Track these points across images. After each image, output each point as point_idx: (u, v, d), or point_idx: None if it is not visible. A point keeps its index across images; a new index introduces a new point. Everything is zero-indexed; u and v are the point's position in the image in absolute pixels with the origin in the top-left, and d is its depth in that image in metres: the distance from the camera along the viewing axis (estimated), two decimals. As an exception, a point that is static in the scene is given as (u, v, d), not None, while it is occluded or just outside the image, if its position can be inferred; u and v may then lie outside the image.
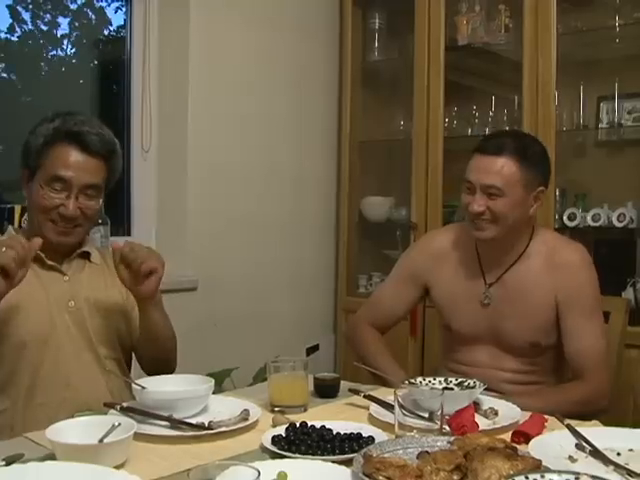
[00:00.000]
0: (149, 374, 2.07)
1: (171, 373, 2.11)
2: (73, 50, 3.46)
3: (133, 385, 1.74)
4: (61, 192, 1.91)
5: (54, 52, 3.42)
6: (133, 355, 2.17)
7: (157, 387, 1.77)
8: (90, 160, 1.94)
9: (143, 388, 1.72)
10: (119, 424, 1.44)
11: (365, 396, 1.86)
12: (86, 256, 2.06)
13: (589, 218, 3.14)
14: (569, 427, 1.61)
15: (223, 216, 3.38)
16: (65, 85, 3.44)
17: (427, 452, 1.37)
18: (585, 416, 1.92)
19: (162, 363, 2.09)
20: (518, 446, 1.54)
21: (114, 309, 2.05)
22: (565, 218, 3.20)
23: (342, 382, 2.06)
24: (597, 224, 3.12)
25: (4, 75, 3.27)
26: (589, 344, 2.18)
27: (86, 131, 1.94)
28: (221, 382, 3.09)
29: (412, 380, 1.89)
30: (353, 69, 3.76)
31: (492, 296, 2.28)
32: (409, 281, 2.43)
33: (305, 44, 3.69)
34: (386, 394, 1.88)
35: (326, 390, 1.96)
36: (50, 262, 1.96)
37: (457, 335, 2.37)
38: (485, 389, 2.05)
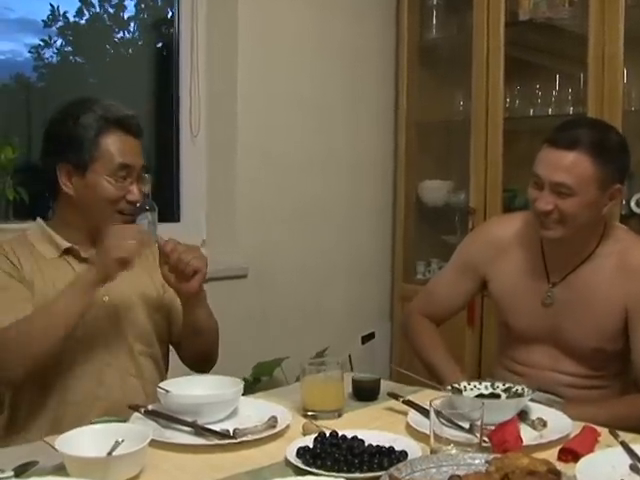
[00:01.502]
0: (191, 368, 2.06)
1: (213, 366, 2.07)
2: (138, 32, 3.41)
3: (157, 388, 1.66)
4: (125, 180, 1.86)
5: (120, 34, 3.38)
6: (172, 350, 2.10)
7: (183, 390, 1.69)
8: (136, 142, 1.91)
9: (167, 392, 1.63)
10: (122, 440, 1.35)
11: (404, 401, 1.74)
12: None
13: (659, 203, 2.94)
14: (623, 444, 1.46)
15: (275, 202, 3.29)
16: (129, 67, 3.38)
17: (458, 476, 1.25)
18: None
19: (204, 357, 2.05)
20: (565, 464, 1.43)
21: (151, 303, 1.99)
22: (633, 204, 2.99)
23: (386, 382, 1.97)
24: (668, 210, 2.92)
25: (72, 58, 3.25)
26: None
27: (129, 115, 1.91)
28: (271, 372, 3.04)
29: (456, 385, 1.76)
30: (410, 48, 3.59)
31: (555, 296, 2.10)
32: (466, 271, 2.27)
33: (360, 23, 3.55)
34: (428, 399, 1.75)
35: (365, 393, 1.86)
36: (85, 255, 1.90)
37: (514, 333, 2.21)
38: (543, 390, 1.96)
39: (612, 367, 2.11)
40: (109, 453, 1.33)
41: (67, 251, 1.89)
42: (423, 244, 3.70)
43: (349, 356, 3.45)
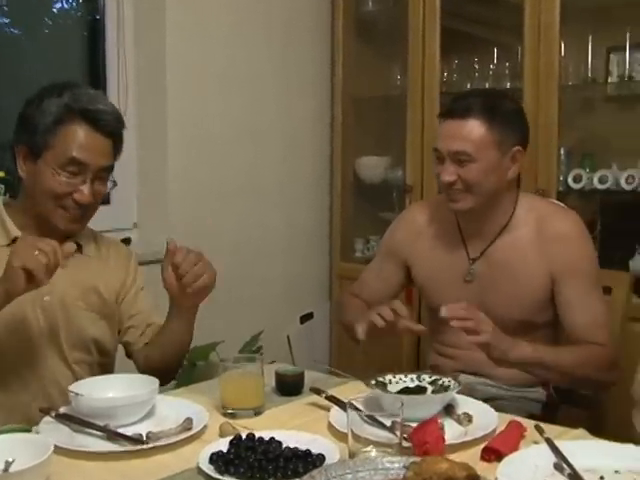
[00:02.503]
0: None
1: (171, 380, 2.03)
2: (75, 3, 3.22)
3: (68, 391, 1.58)
4: (76, 177, 1.75)
5: (60, 5, 3.19)
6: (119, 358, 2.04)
7: (97, 391, 1.61)
8: (104, 140, 1.79)
9: (77, 394, 1.55)
10: (13, 460, 1.26)
11: (327, 397, 1.68)
12: (78, 248, 1.87)
13: (596, 180, 2.91)
14: (548, 441, 1.42)
15: (208, 181, 3.18)
16: (65, 41, 3.20)
17: (371, 487, 1.20)
18: (599, 385, 2.01)
19: (169, 369, 1.98)
20: (488, 464, 1.39)
21: (97, 310, 1.89)
22: (570, 180, 2.97)
23: (313, 373, 1.93)
24: (604, 187, 2.90)
25: (8, 30, 3.07)
26: (595, 314, 2.02)
27: (101, 109, 1.78)
28: (207, 356, 2.96)
29: (381, 379, 1.71)
30: (346, 20, 3.50)
31: (476, 272, 2.11)
32: (391, 258, 2.27)
33: (293, -7, 3.44)
34: (354, 392, 1.70)
35: (288, 387, 1.80)
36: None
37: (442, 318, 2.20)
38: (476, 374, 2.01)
39: (543, 342, 2.08)
40: (5, 470, 1.25)
41: (15, 240, 1.75)
42: (361, 221, 3.65)
43: (287, 337, 3.41)
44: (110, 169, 1.83)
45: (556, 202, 2.39)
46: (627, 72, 2.97)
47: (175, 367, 1.99)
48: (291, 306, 3.52)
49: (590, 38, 3.02)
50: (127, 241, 3.03)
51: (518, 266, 2.06)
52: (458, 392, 1.68)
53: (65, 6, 3.21)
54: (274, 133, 3.42)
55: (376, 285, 2.27)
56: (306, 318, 3.56)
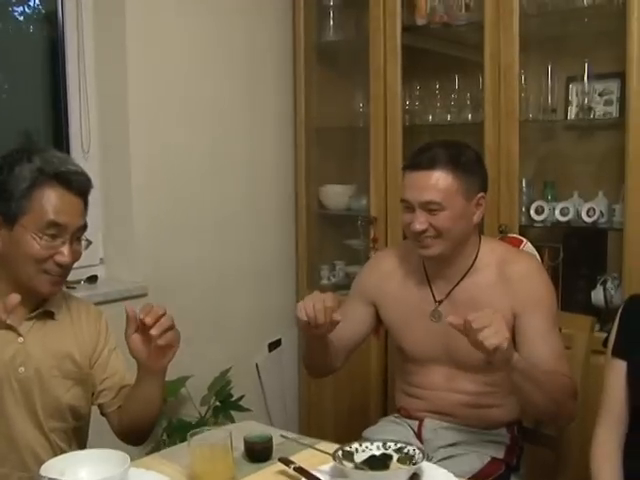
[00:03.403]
0: (123, 438, 2.00)
1: (145, 440, 2.04)
2: (30, 24, 3.18)
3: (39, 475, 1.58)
4: (55, 239, 1.76)
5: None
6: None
7: (67, 471, 1.61)
8: (77, 200, 1.80)
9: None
10: None
11: (295, 469, 1.71)
12: (50, 314, 1.89)
13: (557, 212, 2.96)
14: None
15: (173, 214, 3.18)
16: (21, 63, 3.13)
17: None
18: (560, 415, 2.08)
19: (143, 429, 1.99)
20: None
21: (70, 376, 1.90)
22: (532, 211, 3.02)
23: (280, 433, 1.95)
24: (566, 219, 2.95)
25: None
26: (554, 347, 2.11)
27: (73, 170, 1.80)
28: (176, 392, 3.00)
29: (347, 448, 1.74)
30: (307, 49, 3.50)
31: (442, 313, 2.19)
32: (361, 300, 2.36)
33: (256, 24, 3.43)
34: (321, 462, 1.74)
35: (256, 454, 1.82)
36: (8, 321, 1.72)
37: (410, 356, 2.30)
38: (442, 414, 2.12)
39: (506, 383, 2.12)
40: None
41: None
42: (327, 248, 3.67)
43: (256, 365, 3.47)
44: (85, 228, 1.85)
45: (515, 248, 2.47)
46: (586, 101, 3.01)
47: (148, 429, 2.00)
48: (259, 334, 3.54)
49: (550, 68, 3.06)
50: (94, 278, 3.04)
51: (481, 305, 2.09)
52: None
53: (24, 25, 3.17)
54: (238, 163, 3.43)
55: (345, 325, 2.29)
56: (274, 345, 3.59)
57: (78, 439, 1.97)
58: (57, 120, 3.10)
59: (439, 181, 2.05)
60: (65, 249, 1.77)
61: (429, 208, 2.06)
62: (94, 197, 3.00)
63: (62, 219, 1.75)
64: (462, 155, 2.11)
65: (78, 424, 1.95)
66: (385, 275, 2.32)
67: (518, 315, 2.12)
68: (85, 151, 3.04)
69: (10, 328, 1.77)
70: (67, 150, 3.03)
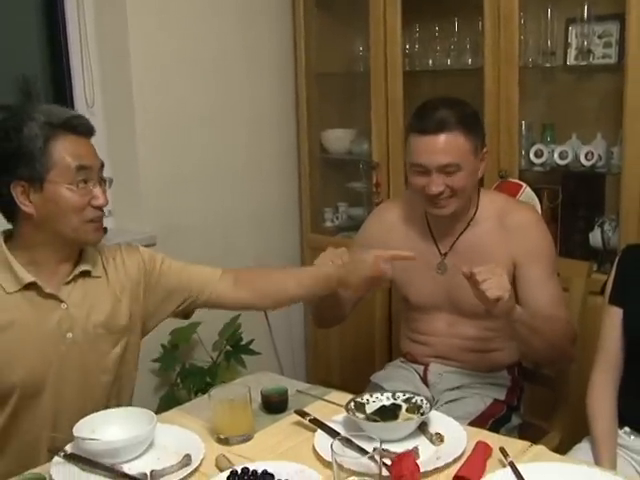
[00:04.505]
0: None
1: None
2: None
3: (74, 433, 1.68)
4: (87, 184, 1.76)
5: None
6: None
7: (99, 430, 1.71)
8: (88, 142, 1.81)
9: (83, 439, 1.66)
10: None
11: (311, 420, 1.81)
12: (86, 273, 1.87)
13: (556, 156, 3.01)
14: (511, 465, 1.57)
15: (178, 163, 3.24)
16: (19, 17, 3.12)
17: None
18: (561, 358, 2.22)
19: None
20: (459, 491, 1.54)
21: (116, 329, 1.90)
22: (532, 155, 3.07)
23: (296, 383, 2.08)
24: (564, 162, 3.00)
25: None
26: (554, 295, 2.20)
27: (75, 115, 1.80)
28: (188, 338, 3.09)
29: (359, 399, 1.85)
30: (306, -7, 3.50)
31: (447, 265, 2.28)
32: None
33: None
34: (336, 413, 1.84)
35: (273, 406, 1.92)
36: (50, 290, 1.80)
37: (414, 305, 2.39)
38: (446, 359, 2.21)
39: (506, 328, 2.23)
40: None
41: (28, 286, 1.77)
42: (330, 192, 3.73)
43: (265, 313, 3.55)
44: (104, 166, 1.84)
45: (512, 198, 2.56)
46: (586, 44, 3.03)
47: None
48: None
49: (549, 10, 3.07)
50: (104, 230, 3.10)
51: (484, 256, 2.20)
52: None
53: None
54: (240, 111, 3.46)
55: None
56: (281, 289, 3.66)
57: (125, 392, 2.00)
58: (59, 76, 3.12)
59: (454, 143, 2.08)
60: (98, 191, 1.78)
61: (447, 171, 2.10)
62: (100, 150, 3.10)
63: (86, 161, 1.76)
64: (467, 114, 2.14)
65: (125, 378, 1.98)
66: (388, 227, 2.37)
67: (518, 264, 2.21)
68: (89, 105, 3.08)
69: (51, 296, 1.79)
70: (72, 105, 3.07)
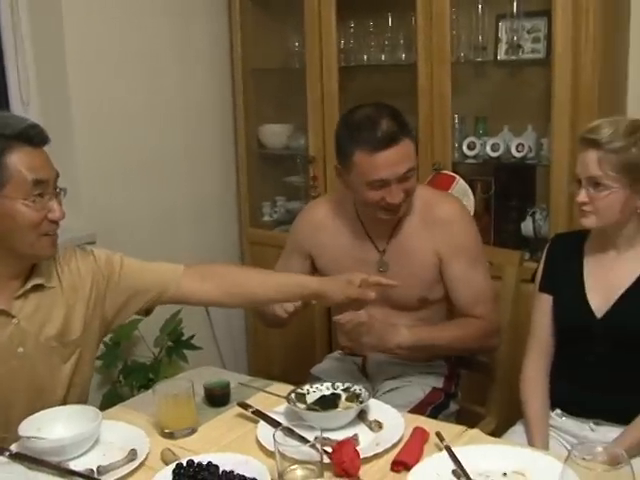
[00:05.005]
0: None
1: None
2: None
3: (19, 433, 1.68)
4: (42, 197, 1.72)
5: None
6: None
7: (44, 428, 1.72)
8: (43, 152, 1.76)
9: (27, 438, 1.67)
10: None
11: (253, 412, 1.85)
12: (39, 286, 1.83)
13: (488, 148, 3.09)
14: (447, 449, 1.63)
15: (115, 161, 3.23)
16: None
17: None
18: (481, 351, 2.33)
19: None
20: (398, 474, 1.59)
21: (70, 341, 1.88)
22: (465, 147, 3.15)
23: (238, 376, 2.12)
24: (496, 154, 3.08)
25: None
26: (477, 290, 2.28)
27: (30, 125, 1.75)
28: (129, 335, 3.09)
29: (299, 390, 1.89)
30: (242, -10, 3.52)
31: (386, 262, 2.32)
32: (295, 252, 2.44)
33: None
34: (277, 404, 1.88)
35: (216, 400, 1.95)
36: (2, 307, 1.77)
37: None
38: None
39: (436, 317, 2.37)
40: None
41: None
42: (267, 186, 3.76)
43: (205, 307, 3.56)
44: (59, 176, 1.79)
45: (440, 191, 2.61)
46: (515, 39, 3.11)
47: None
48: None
49: (480, 7, 3.14)
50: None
51: (413, 249, 2.30)
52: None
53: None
54: (177, 107, 3.47)
55: None
56: (221, 283, 3.68)
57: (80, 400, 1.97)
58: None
59: (406, 149, 2.12)
60: (54, 204, 1.74)
61: (405, 177, 2.14)
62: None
63: (42, 175, 1.71)
64: (401, 117, 2.17)
65: (80, 386, 1.96)
66: (318, 226, 2.39)
67: (442, 259, 2.28)
68: (25, 103, 3.05)
69: (1, 312, 1.76)
70: (6, 103, 3.04)
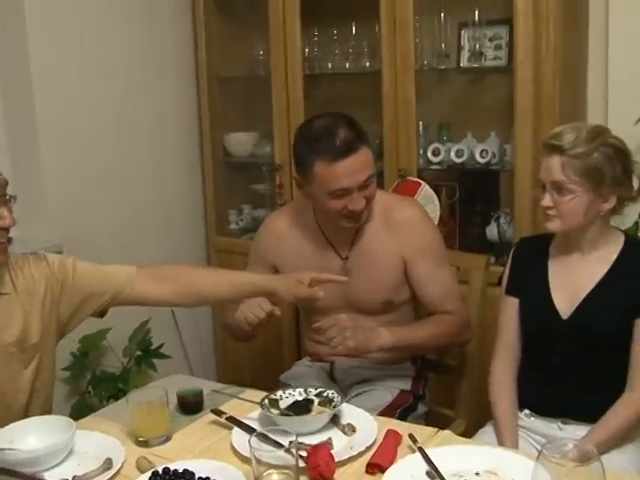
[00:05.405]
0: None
1: None
2: None
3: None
4: None
5: None
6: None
7: (18, 439, 1.72)
8: None
9: (2, 450, 1.66)
10: None
11: (227, 418, 1.86)
12: None
13: (453, 154, 3.14)
14: (421, 450, 1.66)
15: (81, 170, 3.22)
16: None
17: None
18: (454, 345, 2.38)
19: None
20: (373, 476, 1.61)
21: (30, 348, 1.88)
22: (429, 154, 3.19)
23: (209, 384, 2.13)
24: (461, 160, 3.13)
25: None
26: (445, 287, 2.33)
27: None
28: (97, 345, 3.08)
29: (272, 396, 1.90)
30: (206, -2, 3.53)
31: (349, 267, 2.34)
32: (259, 262, 2.46)
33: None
34: (250, 410, 1.90)
35: (189, 408, 1.96)
36: None
37: (315, 309, 2.42)
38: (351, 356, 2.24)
39: (402, 319, 2.40)
40: None
41: None
42: (234, 194, 3.77)
43: (172, 312, 3.56)
44: (7, 183, 1.80)
45: (396, 195, 2.68)
46: (477, 47, 3.16)
47: None
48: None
49: (442, 15, 3.19)
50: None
51: (375, 254, 2.33)
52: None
53: None
54: (142, 115, 3.46)
55: None
56: (188, 291, 3.68)
57: (44, 406, 1.98)
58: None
59: (365, 156, 2.15)
60: (4, 212, 1.75)
61: (366, 184, 2.17)
62: (2, 160, 3.06)
63: None
64: (357, 125, 2.19)
65: (43, 391, 1.96)
66: (280, 237, 2.41)
67: (407, 261, 2.32)
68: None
69: None
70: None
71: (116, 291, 2.00)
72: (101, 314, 2.07)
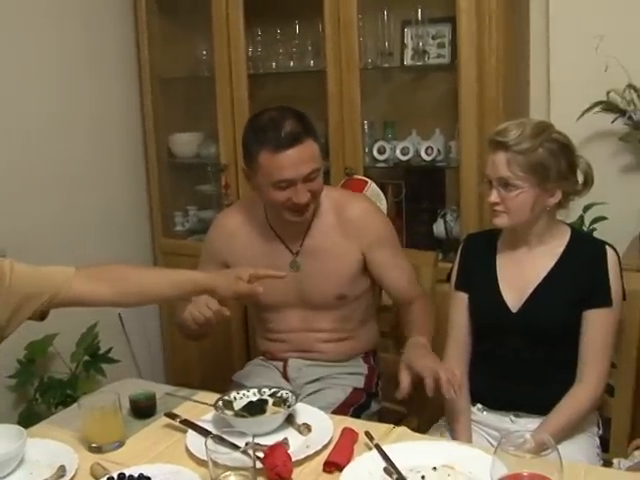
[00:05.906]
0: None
1: None
2: None
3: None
4: None
5: None
6: None
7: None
8: None
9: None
10: None
11: (181, 421, 1.84)
12: None
13: (398, 152, 3.16)
14: (377, 447, 1.66)
15: (22, 172, 3.14)
16: None
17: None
18: None
19: None
20: (331, 475, 1.61)
21: None
22: (375, 152, 3.20)
23: (161, 387, 2.10)
24: (406, 158, 3.15)
25: None
26: (408, 272, 2.40)
27: None
28: (45, 351, 3.02)
29: (226, 397, 1.89)
30: (148, -1, 3.49)
31: (300, 263, 2.35)
32: (211, 261, 2.44)
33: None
34: (204, 412, 1.88)
35: (142, 412, 1.93)
36: None
37: (266, 306, 2.44)
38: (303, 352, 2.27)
39: (356, 315, 2.42)
40: None
41: None
42: (179, 196, 3.74)
43: (119, 315, 3.52)
44: None
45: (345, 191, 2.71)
46: (421, 45, 3.18)
47: None
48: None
49: (385, 13, 3.21)
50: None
51: (330, 248, 2.33)
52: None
53: None
54: (84, 116, 3.40)
55: None
56: (135, 294, 3.64)
57: None
58: None
59: (310, 149, 2.15)
60: None
61: (310, 178, 2.16)
62: None
63: None
64: (306, 119, 2.19)
65: None
66: (230, 235, 2.40)
67: (367, 253, 2.34)
68: None
69: None
70: None
71: (54, 292, 1.93)
72: (41, 317, 2.01)
